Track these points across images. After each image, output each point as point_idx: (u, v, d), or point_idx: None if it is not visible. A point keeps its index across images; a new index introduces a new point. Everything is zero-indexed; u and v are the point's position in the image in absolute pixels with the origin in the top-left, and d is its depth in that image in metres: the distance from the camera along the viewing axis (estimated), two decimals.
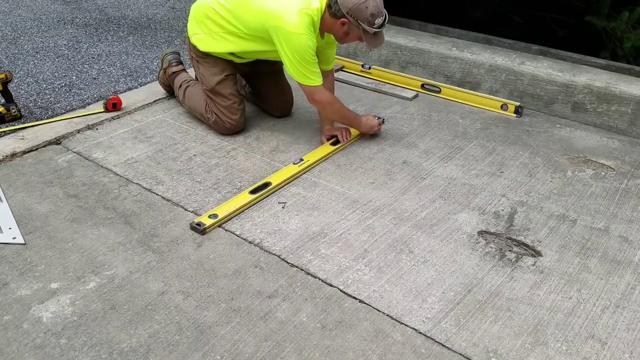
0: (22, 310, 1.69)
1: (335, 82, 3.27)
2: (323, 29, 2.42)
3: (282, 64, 2.83)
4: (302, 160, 2.44)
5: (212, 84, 2.61)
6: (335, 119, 2.66)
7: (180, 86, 2.83)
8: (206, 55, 2.63)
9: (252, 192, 2.22)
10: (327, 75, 2.65)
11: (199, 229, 2.01)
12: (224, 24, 2.51)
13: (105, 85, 3.24)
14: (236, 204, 2.14)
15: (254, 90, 2.95)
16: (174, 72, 2.89)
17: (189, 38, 2.69)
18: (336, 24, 2.35)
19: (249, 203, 2.16)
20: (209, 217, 2.06)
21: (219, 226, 2.06)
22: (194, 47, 2.65)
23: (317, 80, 2.44)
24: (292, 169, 2.38)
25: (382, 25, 2.32)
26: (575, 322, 1.69)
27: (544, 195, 2.30)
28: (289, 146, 2.61)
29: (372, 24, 2.28)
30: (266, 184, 2.27)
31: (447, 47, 3.30)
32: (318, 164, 2.46)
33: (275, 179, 2.30)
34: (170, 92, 3.01)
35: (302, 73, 2.40)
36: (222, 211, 2.09)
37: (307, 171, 2.41)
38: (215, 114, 2.62)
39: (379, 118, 2.83)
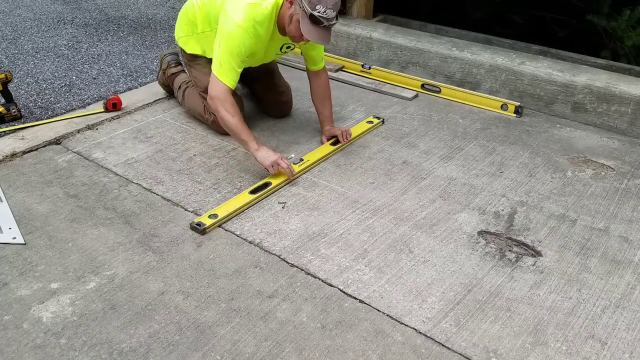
0: (22, 310, 1.69)
1: (336, 82, 3.29)
2: (280, 22, 2.29)
3: (276, 65, 2.82)
4: (302, 160, 2.44)
5: (205, 84, 2.61)
6: (229, 131, 2.37)
7: (180, 87, 2.83)
8: (195, 58, 2.65)
9: (252, 192, 2.22)
10: (318, 75, 2.61)
11: (199, 229, 2.01)
12: (198, 25, 2.53)
13: (105, 85, 3.24)
14: (236, 204, 2.14)
15: (251, 92, 2.95)
16: (173, 74, 2.89)
17: (176, 41, 2.72)
18: (286, 7, 2.23)
19: (248, 203, 2.16)
20: (209, 217, 2.06)
21: (219, 226, 2.06)
22: (182, 50, 2.69)
23: (228, 78, 2.24)
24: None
25: (324, 18, 2.13)
26: (575, 322, 1.69)
27: (544, 195, 2.30)
28: (289, 146, 2.61)
29: (313, 5, 2.11)
30: (266, 184, 2.27)
31: (447, 47, 3.29)
32: (318, 164, 2.46)
33: (275, 179, 2.30)
34: (170, 92, 3.01)
35: (219, 61, 2.24)
36: (222, 211, 2.09)
37: (307, 171, 2.41)
38: (212, 114, 2.62)
39: (379, 119, 2.83)
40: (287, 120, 2.85)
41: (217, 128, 2.66)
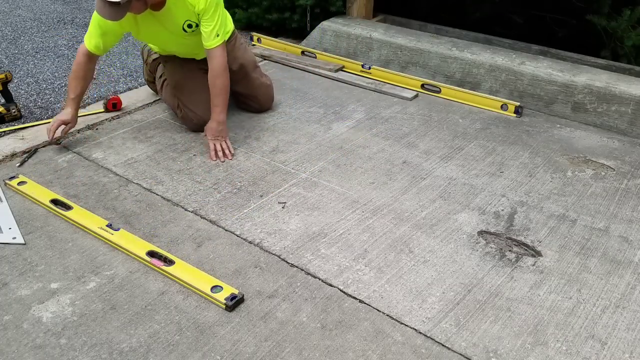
0: (22, 310, 1.69)
1: (336, 82, 3.29)
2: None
3: (249, 77, 2.79)
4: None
5: (174, 80, 2.64)
6: None
7: (161, 76, 2.80)
8: (168, 56, 2.71)
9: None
10: (210, 54, 2.42)
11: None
12: None
13: (105, 85, 3.24)
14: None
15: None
16: (154, 60, 2.83)
17: None
18: None
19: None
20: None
21: (218, 226, 2.06)
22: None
23: (88, 41, 2.49)
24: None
25: None
26: (575, 322, 1.69)
27: (544, 195, 2.30)
28: (289, 146, 2.61)
29: None
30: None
31: (447, 47, 3.30)
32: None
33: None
34: (156, 91, 2.98)
35: (89, 27, 2.48)
36: None
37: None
38: (182, 110, 2.65)
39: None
40: (288, 119, 2.85)
41: (187, 123, 2.69)
